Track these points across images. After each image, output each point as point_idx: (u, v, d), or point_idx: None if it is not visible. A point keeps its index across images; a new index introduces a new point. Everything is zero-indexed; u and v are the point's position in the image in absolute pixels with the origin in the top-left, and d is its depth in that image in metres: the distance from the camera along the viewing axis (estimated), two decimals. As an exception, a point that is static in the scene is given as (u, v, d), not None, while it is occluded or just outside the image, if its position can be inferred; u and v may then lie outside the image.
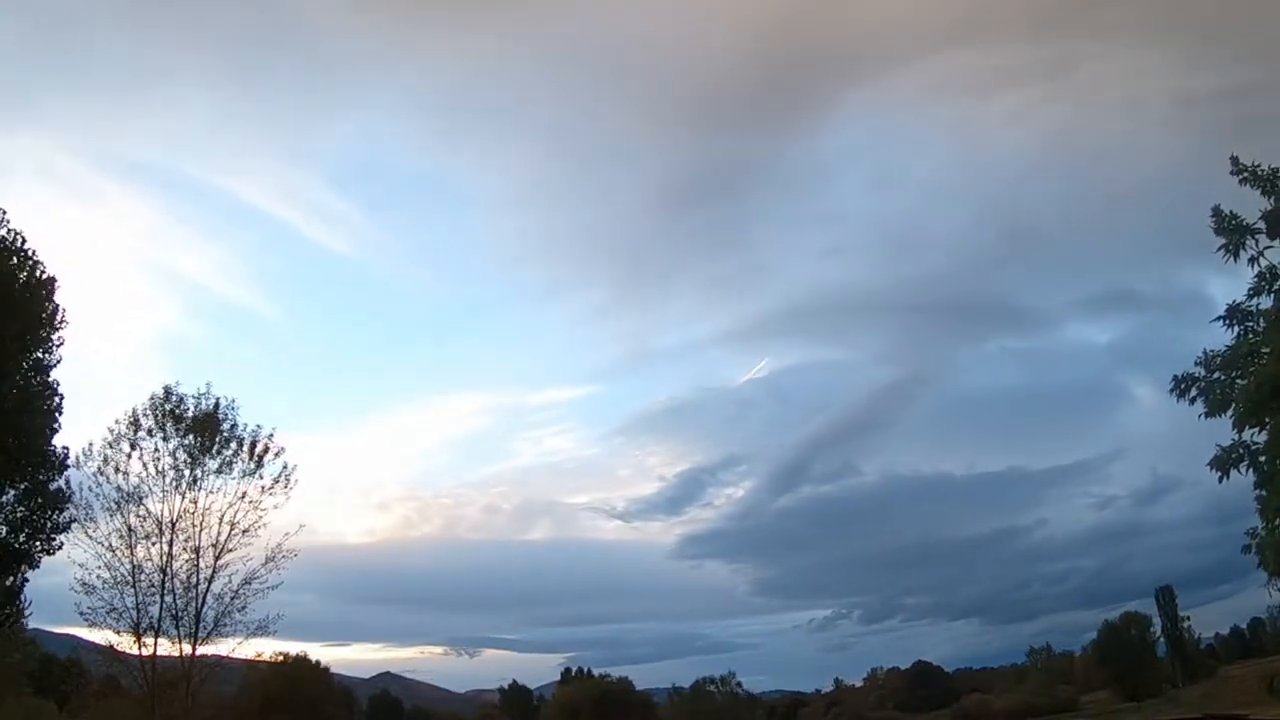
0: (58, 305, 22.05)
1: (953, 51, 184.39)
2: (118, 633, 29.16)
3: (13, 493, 21.15)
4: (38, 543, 21.70)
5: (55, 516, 22.03)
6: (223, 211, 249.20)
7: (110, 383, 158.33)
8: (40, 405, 21.31)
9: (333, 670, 73.05)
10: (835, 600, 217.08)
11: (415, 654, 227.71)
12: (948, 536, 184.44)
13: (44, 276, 21.93)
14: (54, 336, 21.82)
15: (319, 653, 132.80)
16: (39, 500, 21.51)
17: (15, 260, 21.26)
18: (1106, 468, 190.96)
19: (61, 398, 21.97)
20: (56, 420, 21.93)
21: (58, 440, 22.30)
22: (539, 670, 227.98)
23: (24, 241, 21.52)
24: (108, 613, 28.84)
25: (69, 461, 22.66)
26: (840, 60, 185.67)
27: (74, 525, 25.57)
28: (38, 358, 21.45)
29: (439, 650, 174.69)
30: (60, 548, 22.88)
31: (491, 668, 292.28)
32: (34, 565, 21.89)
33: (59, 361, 21.93)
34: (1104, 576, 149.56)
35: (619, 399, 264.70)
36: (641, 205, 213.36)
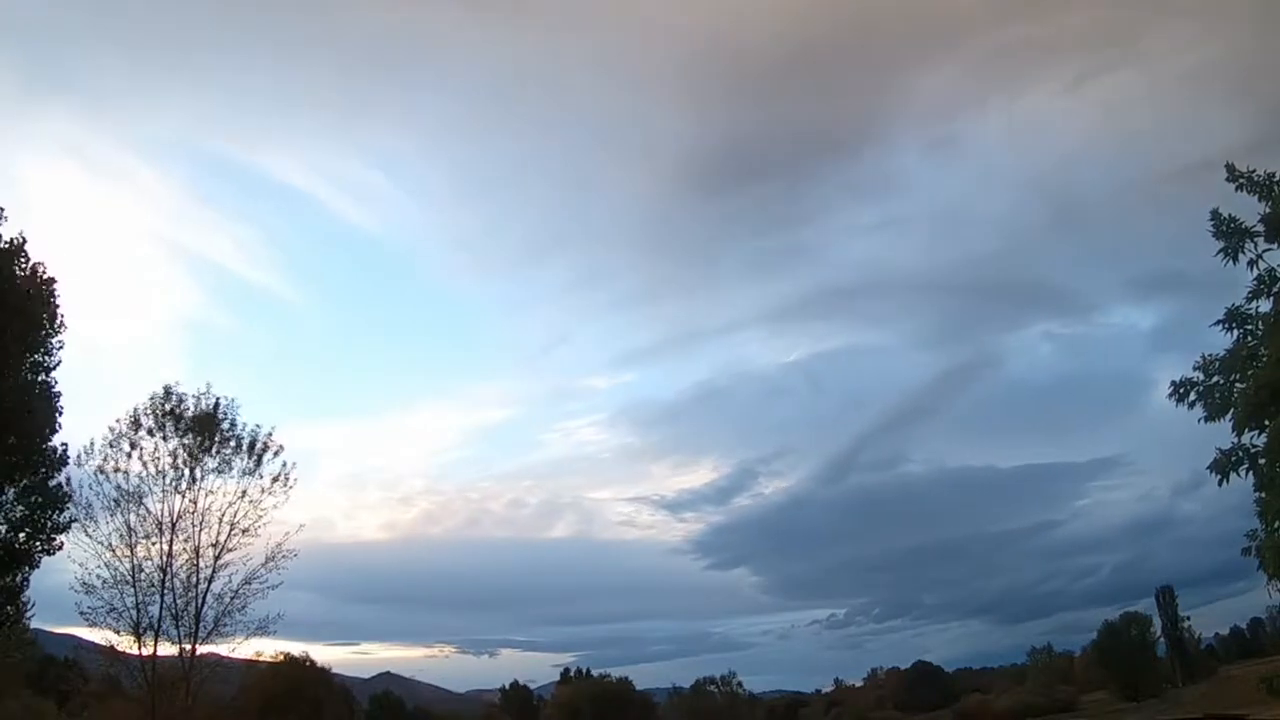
0: (58, 306, 22.08)
1: (1013, 20, 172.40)
2: (118, 633, 29.26)
3: (12, 491, 21.17)
4: (38, 542, 21.71)
5: (55, 516, 22.05)
6: (250, 192, 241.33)
7: (129, 368, 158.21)
8: (40, 406, 21.32)
9: (333, 670, 73.05)
10: (858, 598, 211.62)
11: (426, 654, 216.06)
12: (984, 531, 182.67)
13: (44, 277, 21.94)
14: (54, 340, 21.86)
15: (323, 652, 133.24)
16: (38, 499, 21.54)
17: (16, 261, 21.27)
18: (1146, 459, 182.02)
19: (59, 398, 22.02)
20: (56, 420, 21.98)
21: (58, 440, 22.38)
22: (542, 670, 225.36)
23: (25, 242, 21.55)
24: (108, 613, 28.98)
25: (68, 460, 22.72)
26: (896, 28, 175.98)
27: (74, 525, 25.68)
28: (37, 359, 21.46)
29: (450, 650, 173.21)
30: (60, 547, 22.91)
31: (494, 668, 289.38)
32: (34, 565, 21.91)
33: (59, 364, 22.00)
34: (1132, 570, 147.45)
35: (652, 387, 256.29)
36: (683, 185, 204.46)
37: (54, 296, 21.94)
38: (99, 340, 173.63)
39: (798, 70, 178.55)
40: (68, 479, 23.89)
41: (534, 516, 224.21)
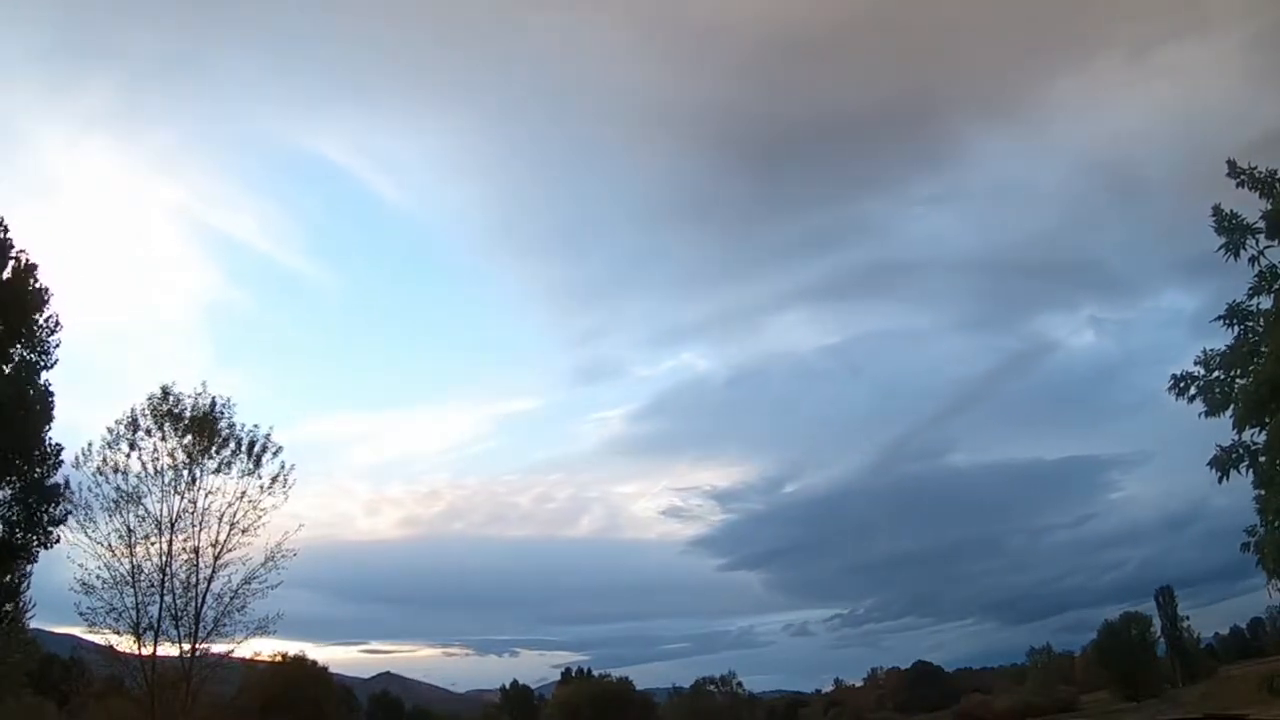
0: (48, 298, 22.07)
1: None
2: (117, 633, 29.24)
3: (8, 490, 21.20)
4: (34, 536, 21.76)
5: (50, 510, 22.10)
6: (278, 167, 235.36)
7: (146, 351, 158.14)
8: (33, 403, 21.34)
9: (332, 670, 73.23)
10: (879, 594, 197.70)
11: (439, 653, 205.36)
12: (1022, 525, 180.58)
13: (30, 265, 21.93)
14: (51, 339, 21.86)
15: (329, 652, 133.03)
16: (34, 497, 21.57)
17: (4, 258, 21.31)
18: (1182, 451, 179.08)
19: (52, 396, 22.05)
20: (50, 418, 22.00)
21: (56, 439, 22.44)
22: (543, 670, 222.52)
23: (8, 236, 21.57)
24: (107, 613, 28.94)
25: (62, 459, 22.75)
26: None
27: (72, 522, 25.83)
28: (31, 358, 21.47)
29: (467, 651, 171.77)
30: (57, 541, 22.95)
31: (496, 668, 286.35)
32: (32, 560, 21.94)
33: (56, 362, 22.01)
34: (1155, 566, 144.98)
35: (691, 375, 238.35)
36: (733, 160, 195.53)
37: (45, 294, 21.94)
38: (116, 323, 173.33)
39: (852, 40, 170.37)
40: (66, 480, 23.95)
41: (559, 511, 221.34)
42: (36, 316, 21.57)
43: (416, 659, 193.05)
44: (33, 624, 24.98)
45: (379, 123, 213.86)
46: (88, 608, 28.79)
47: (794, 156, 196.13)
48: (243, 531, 30.74)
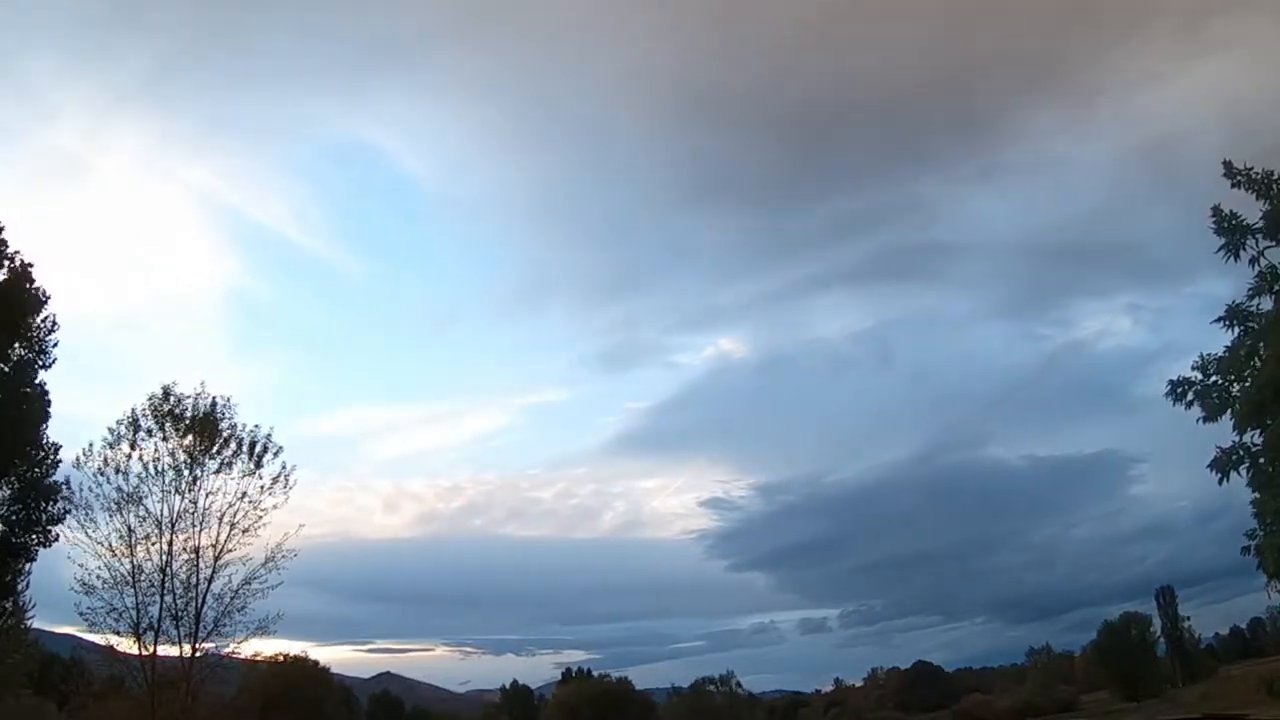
0: (45, 298, 22.06)
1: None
2: (118, 633, 29.23)
3: (6, 489, 21.22)
4: (33, 535, 21.77)
5: (49, 508, 22.10)
6: (305, 146, 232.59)
7: (163, 341, 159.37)
8: (31, 402, 21.35)
9: (333, 670, 73.14)
10: (893, 592, 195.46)
11: (445, 652, 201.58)
12: (1049, 520, 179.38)
13: (25, 266, 21.93)
14: (48, 338, 21.87)
15: (333, 651, 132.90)
16: (32, 495, 21.59)
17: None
18: (1204, 446, 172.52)
19: (49, 395, 22.09)
20: (47, 417, 22.04)
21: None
22: (544, 670, 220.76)
23: (3, 232, 21.58)
24: (108, 613, 28.93)
25: (60, 456, 22.80)
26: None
27: (72, 522, 25.85)
28: (28, 356, 21.48)
29: (480, 651, 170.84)
30: (56, 539, 22.97)
31: (496, 667, 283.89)
32: (30, 558, 21.96)
33: (54, 361, 22.02)
34: (1172, 564, 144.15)
35: (724, 362, 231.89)
36: (770, 138, 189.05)
37: (43, 295, 21.93)
38: (136, 308, 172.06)
39: (892, 12, 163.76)
40: (66, 479, 23.96)
41: (580, 507, 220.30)
42: (33, 318, 21.53)
43: (428, 659, 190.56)
44: (33, 624, 25.03)
45: (407, 107, 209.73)
46: (88, 608, 28.79)
47: (831, 135, 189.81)
48: (243, 532, 30.76)
